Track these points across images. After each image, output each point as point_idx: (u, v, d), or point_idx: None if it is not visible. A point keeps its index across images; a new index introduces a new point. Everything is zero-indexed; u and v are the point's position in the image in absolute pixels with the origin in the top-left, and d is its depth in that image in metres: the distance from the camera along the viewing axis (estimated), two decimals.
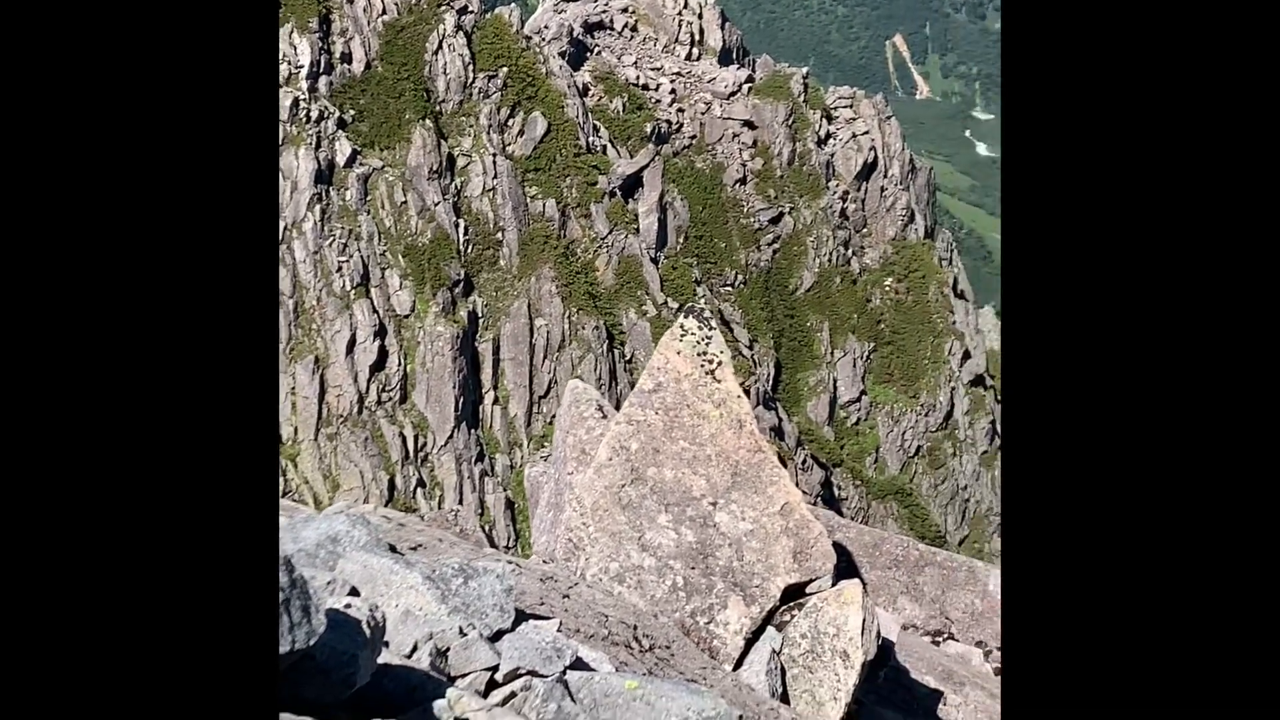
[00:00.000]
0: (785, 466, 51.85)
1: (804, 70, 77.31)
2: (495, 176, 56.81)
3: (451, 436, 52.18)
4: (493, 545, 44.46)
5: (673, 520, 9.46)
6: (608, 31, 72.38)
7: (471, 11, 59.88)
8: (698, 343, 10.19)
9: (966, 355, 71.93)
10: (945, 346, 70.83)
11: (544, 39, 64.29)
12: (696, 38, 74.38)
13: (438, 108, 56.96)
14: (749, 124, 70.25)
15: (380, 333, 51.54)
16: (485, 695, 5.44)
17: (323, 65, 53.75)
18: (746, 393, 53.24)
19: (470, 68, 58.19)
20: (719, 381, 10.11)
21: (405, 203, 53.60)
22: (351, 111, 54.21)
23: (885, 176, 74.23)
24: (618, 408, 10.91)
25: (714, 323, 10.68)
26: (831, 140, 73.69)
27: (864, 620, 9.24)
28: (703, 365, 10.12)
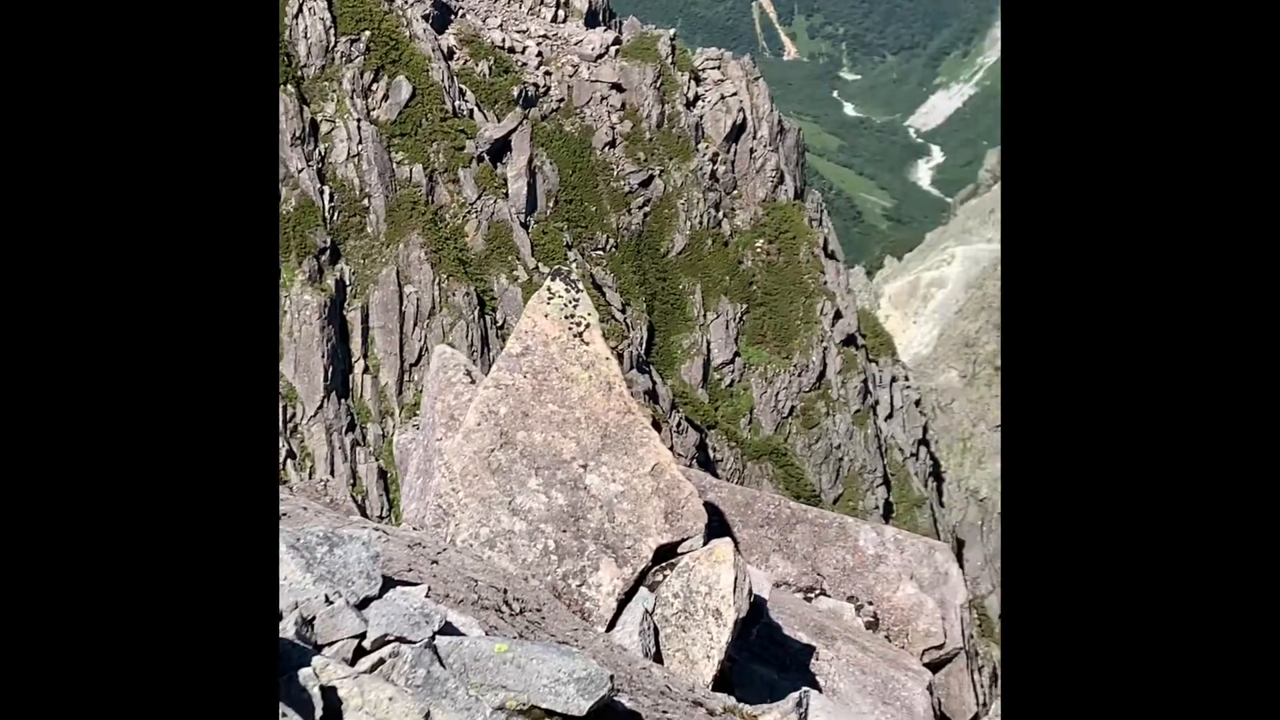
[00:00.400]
0: (660, 430, 52.14)
1: (671, 32, 77.28)
2: (360, 142, 55.86)
3: (321, 406, 51.39)
4: (364, 515, 43.98)
5: (543, 484, 9.38)
6: None
7: None
8: (565, 305, 10.09)
9: (838, 315, 72.94)
10: (817, 307, 71.73)
11: (407, 2, 63.22)
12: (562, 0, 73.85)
13: (299, 73, 55.71)
14: (617, 87, 70.04)
15: None
16: (353, 663, 5.34)
17: None
18: (620, 357, 53.26)
19: (332, 32, 57.00)
20: (587, 344, 10.02)
21: None
22: None
23: (754, 138, 74.68)
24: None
25: (580, 285, 10.58)
26: (700, 102, 73.88)
27: (736, 578, 9.27)
28: (570, 328, 10.03)
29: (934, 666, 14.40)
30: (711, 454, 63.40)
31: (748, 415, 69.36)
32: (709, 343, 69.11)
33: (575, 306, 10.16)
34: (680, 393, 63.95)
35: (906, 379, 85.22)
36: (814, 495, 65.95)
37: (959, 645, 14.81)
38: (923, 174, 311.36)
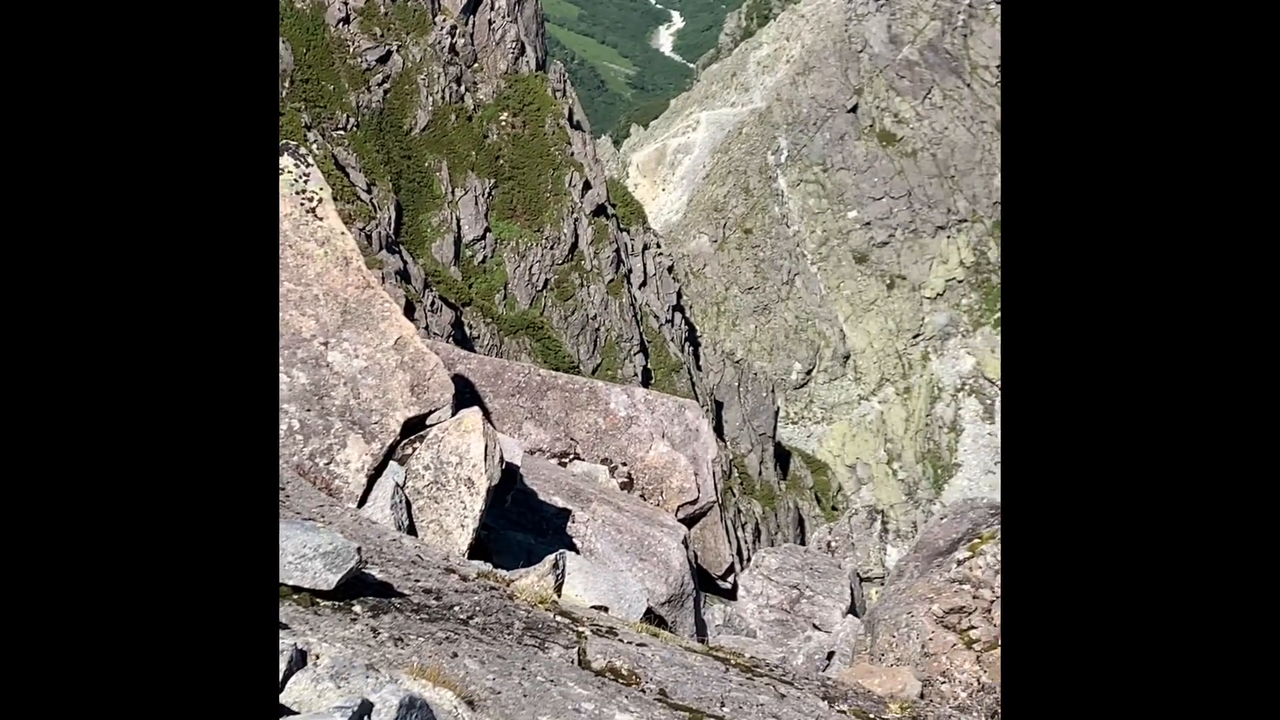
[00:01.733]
0: (414, 310, 50.88)
1: None
2: None
3: None
4: None
5: (283, 364, 9.18)
6: None
7: None
8: (295, 180, 9.79)
9: (587, 186, 72.97)
10: (565, 178, 71.54)
11: None
12: None
13: None
14: None
15: None
16: None
17: None
18: (368, 238, 51.64)
19: None
20: (321, 219, 9.77)
21: None
22: None
23: (493, 9, 73.21)
24: None
25: (311, 159, 10.27)
26: None
27: (486, 446, 9.32)
28: (303, 203, 9.74)
29: (689, 521, 14.86)
30: (468, 331, 63.06)
31: (502, 290, 69.13)
32: (459, 220, 68.26)
33: (306, 181, 9.87)
34: (433, 271, 63.14)
35: (658, 246, 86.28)
36: (573, 366, 66.54)
37: (712, 499, 15.29)
38: (664, 40, 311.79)
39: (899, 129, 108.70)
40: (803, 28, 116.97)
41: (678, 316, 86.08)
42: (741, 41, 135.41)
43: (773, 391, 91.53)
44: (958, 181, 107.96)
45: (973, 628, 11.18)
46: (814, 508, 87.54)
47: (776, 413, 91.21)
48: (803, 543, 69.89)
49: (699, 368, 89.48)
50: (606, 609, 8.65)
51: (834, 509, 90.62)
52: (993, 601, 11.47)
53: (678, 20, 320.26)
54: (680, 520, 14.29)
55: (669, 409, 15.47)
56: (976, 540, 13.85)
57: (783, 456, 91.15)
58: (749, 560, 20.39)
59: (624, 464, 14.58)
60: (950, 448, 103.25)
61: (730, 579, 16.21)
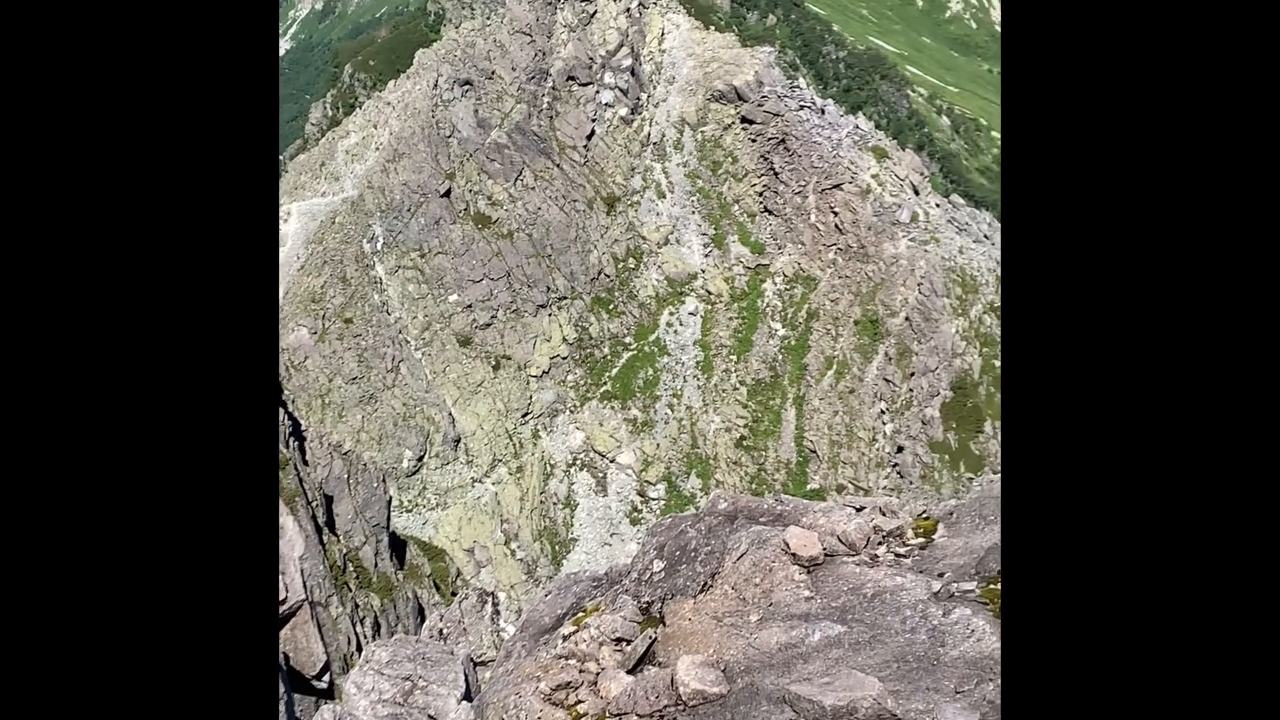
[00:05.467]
0: None
1: None
2: None
3: None
4: None
5: None
6: None
7: None
8: None
9: None
10: None
11: None
12: None
13: None
14: None
15: None
16: None
17: None
18: None
19: None
20: None
21: None
22: None
23: None
24: None
25: None
26: None
27: None
28: None
29: (281, 621, 13.83)
30: None
31: None
32: None
33: None
34: None
35: None
36: None
37: (301, 598, 14.33)
38: None
39: (493, 211, 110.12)
40: (390, 115, 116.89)
41: (281, 411, 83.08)
42: (329, 131, 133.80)
43: (384, 481, 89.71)
44: (554, 260, 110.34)
45: (580, 702, 10.86)
46: (434, 595, 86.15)
47: (389, 502, 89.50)
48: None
49: (305, 462, 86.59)
50: None
51: (453, 594, 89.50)
52: (598, 673, 11.19)
53: None
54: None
55: None
56: (580, 614, 13.58)
57: (399, 546, 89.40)
58: (355, 647, 19.32)
59: None
60: (566, 523, 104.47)
61: (326, 678, 15.23)
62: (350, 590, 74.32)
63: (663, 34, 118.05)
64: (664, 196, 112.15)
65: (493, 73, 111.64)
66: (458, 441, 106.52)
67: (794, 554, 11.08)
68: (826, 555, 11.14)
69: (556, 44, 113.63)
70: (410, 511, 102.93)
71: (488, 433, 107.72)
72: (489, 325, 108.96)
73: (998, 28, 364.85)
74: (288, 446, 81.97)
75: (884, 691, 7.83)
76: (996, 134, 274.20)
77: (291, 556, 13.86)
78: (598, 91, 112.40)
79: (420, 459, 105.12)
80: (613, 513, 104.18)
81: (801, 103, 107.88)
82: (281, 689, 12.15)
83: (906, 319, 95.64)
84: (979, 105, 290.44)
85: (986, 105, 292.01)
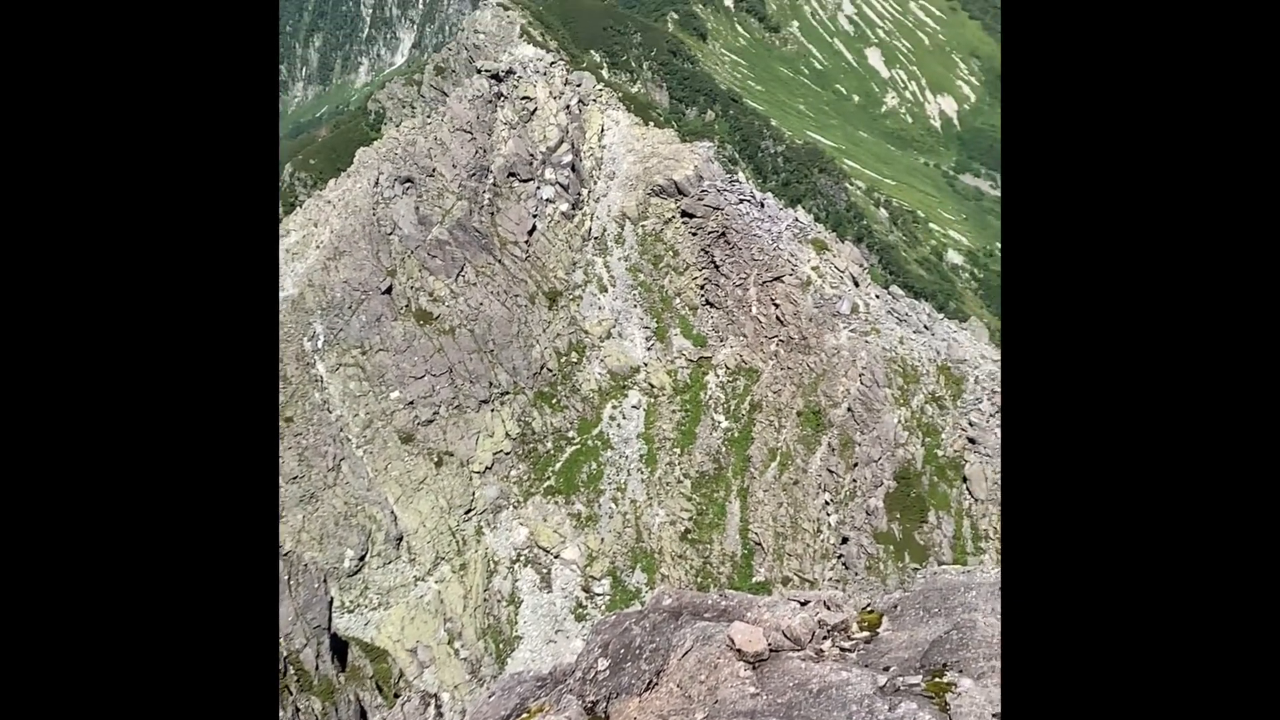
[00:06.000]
0: None
1: None
2: None
3: None
4: None
5: None
6: None
7: None
8: None
9: None
10: None
11: None
12: None
13: None
14: None
15: None
16: None
17: None
18: None
19: None
20: None
21: None
22: None
23: None
24: None
25: None
26: None
27: None
28: None
29: None
30: None
31: None
32: None
33: None
34: None
35: None
36: None
37: None
38: None
39: (435, 307, 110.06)
40: (331, 213, 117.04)
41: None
42: None
43: (325, 581, 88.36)
44: (497, 355, 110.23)
45: None
46: (376, 697, 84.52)
47: (331, 603, 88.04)
48: None
49: None
50: None
51: (395, 696, 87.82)
52: None
53: None
54: None
55: None
56: (525, 714, 13.33)
57: (340, 647, 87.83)
58: None
59: None
60: (510, 620, 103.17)
61: None
62: (291, 694, 72.74)
63: (602, 130, 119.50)
64: (606, 290, 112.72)
65: (434, 170, 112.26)
66: (400, 540, 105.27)
67: (739, 650, 10.95)
68: (772, 650, 11.02)
69: (497, 141, 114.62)
70: (352, 612, 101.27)
71: (430, 530, 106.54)
72: (431, 422, 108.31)
73: (933, 121, 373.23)
74: None
75: None
76: (934, 225, 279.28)
77: None
78: (538, 187, 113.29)
79: (362, 558, 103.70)
80: (557, 609, 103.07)
81: (741, 196, 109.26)
82: None
83: (849, 410, 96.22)
84: (916, 197, 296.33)
85: (924, 197, 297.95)
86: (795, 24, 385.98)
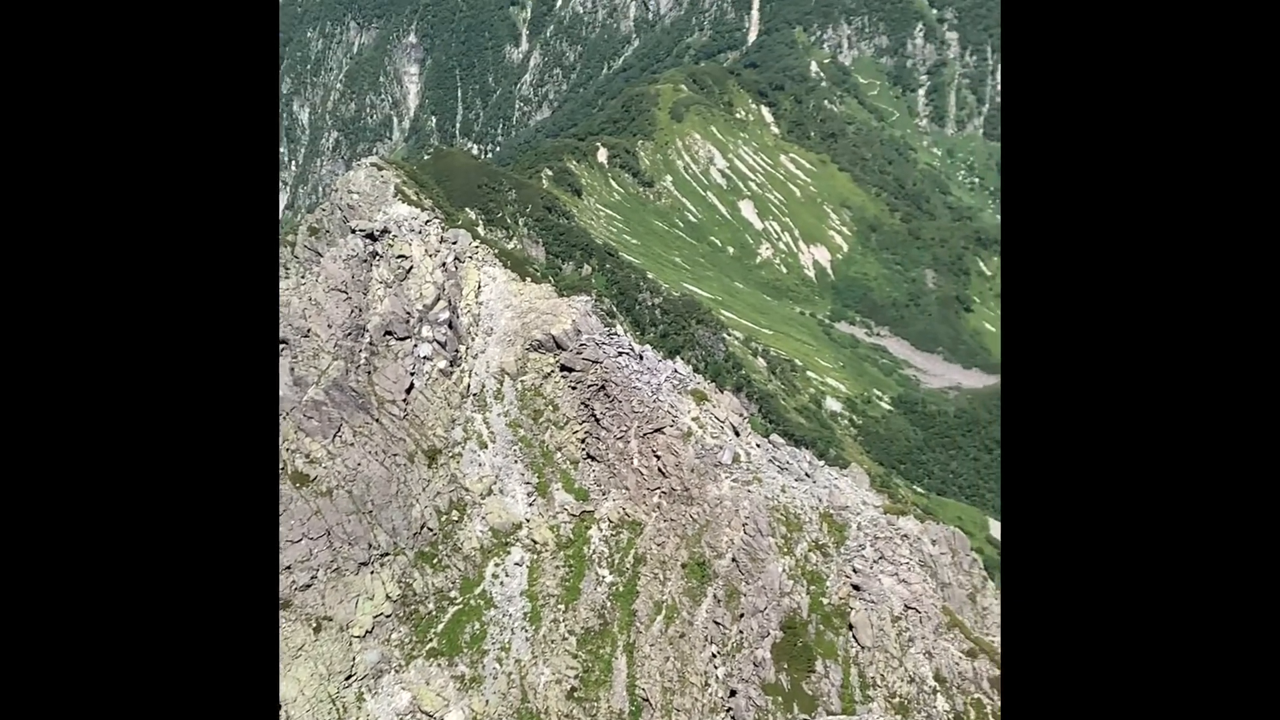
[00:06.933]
0: None
1: None
2: None
3: None
4: None
5: None
6: None
7: None
8: None
9: None
10: None
11: None
12: None
13: None
14: None
15: None
16: None
17: None
18: None
19: None
20: None
21: None
22: None
23: None
24: None
25: None
26: None
27: None
28: None
29: None
30: None
31: None
32: None
33: None
34: None
35: None
36: None
37: None
38: None
39: (312, 469, 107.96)
40: None
41: None
42: None
43: None
44: (376, 516, 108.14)
45: None
46: None
47: None
48: None
49: None
50: None
51: None
52: None
53: None
54: None
55: None
56: None
57: None
58: None
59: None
60: None
61: None
62: None
63: (479, 286, 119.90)
64: (486, 447, 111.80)
65: (308, 330, 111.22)
66: (278, 710, 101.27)
67: None
68: None
69: (373, 299, 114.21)
70: None
71: (309, 699, 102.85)
72: (309, 586, 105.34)
73: (807, 271, 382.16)
74: None
75: None
76: (812, 373, 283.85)
77: None
78: (416, 345, 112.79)
79: None
80: None
81: (620, 349, 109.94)
82: None
83: (733, 560, 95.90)
84: (793, 346, 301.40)
85: (801, 346, 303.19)
86: (668, 178, 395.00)
